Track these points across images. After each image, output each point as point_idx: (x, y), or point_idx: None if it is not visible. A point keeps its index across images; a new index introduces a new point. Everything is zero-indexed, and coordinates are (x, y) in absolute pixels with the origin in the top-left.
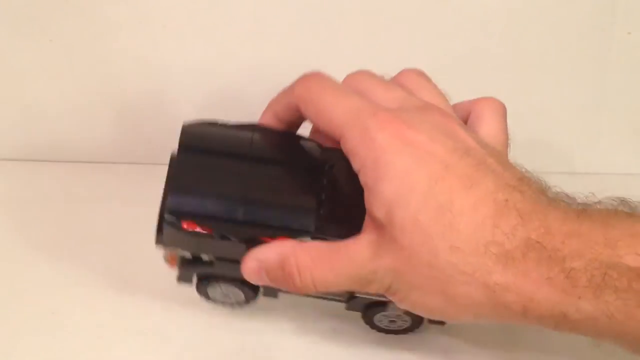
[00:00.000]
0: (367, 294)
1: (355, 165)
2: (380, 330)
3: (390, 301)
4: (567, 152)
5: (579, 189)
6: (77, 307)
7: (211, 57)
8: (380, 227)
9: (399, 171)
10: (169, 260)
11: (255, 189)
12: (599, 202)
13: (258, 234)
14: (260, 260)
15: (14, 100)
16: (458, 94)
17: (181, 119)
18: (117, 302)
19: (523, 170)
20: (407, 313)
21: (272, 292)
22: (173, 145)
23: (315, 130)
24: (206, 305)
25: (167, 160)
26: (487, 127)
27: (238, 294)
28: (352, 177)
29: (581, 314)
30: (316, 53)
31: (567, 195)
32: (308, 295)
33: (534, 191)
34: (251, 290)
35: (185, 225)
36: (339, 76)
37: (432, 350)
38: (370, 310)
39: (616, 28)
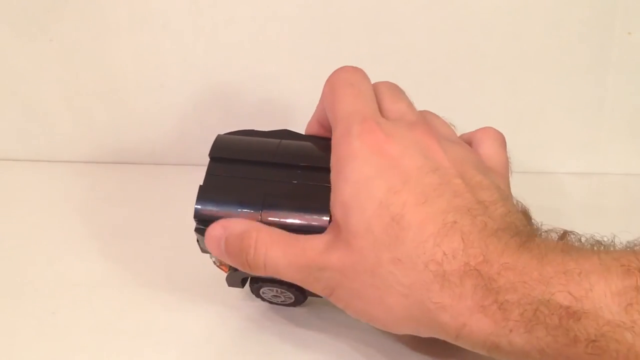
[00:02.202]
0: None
1: (332, 161)
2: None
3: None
4: (567, 152)
5: (579, 189)
6: (77, 307)
7: (211, 57)
8: (337, 227)
9: (361, 177)
10: (219, 265)
11: (273, 196)
12: (551, 231)
13: None
14: (225, 227)
15: (14, 100)
16: (458, 94)
17: (181, 119)
18: (118, 302)
19: (499, 194)
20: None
21: (313, 294)
22: (173, 146)
23: None
24: (206, 305)
25: (168, 161)
26: (487, 151)
27: (288, 295)
28: None
29: (513, 347)
30: (316, 53)
31: (530, 224)
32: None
33: (488, 217)
34: (298, 292)
35: None
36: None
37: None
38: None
39: (616, 28)
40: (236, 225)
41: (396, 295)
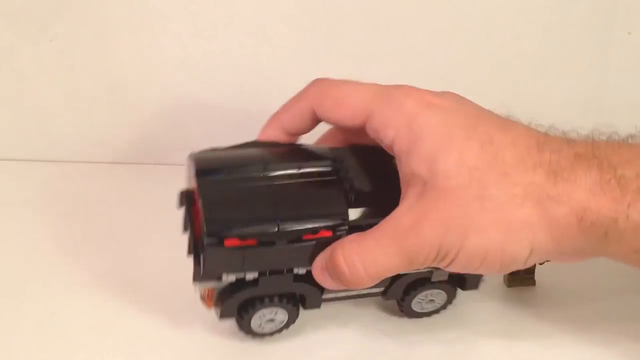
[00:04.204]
0: (417, 270)
1: (389, 135)
2: (414, 315)
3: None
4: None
5: None
6: (77, 307)
7: (211, 57)
8: (423, 184)
9: (434, 127)
10: (206, 299)
11: (284, 193)
12: None
13: (299, 233)
14: (320, 261)
15: (14, 100)
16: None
17: (181, 119)
18: (117, 303)
19: None
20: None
21: (315, 302)
22: (173, 146)
23: (327, 136)
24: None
25: (167, 160)
26: None
27: (282, 315)
28: (366, 166)
29: (630, 222)
30: (316, 53)
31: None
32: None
33: (570, 135)
34: (295, 307)
35: (228, 243)
36: (340, 77)
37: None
38: (409, 291)
39: (616, 28)
40: (325, 253)
41: (511, 209)
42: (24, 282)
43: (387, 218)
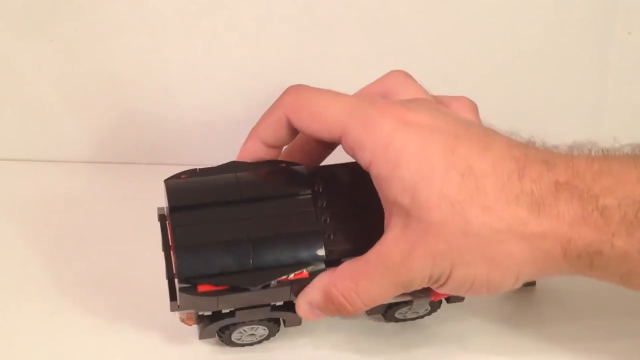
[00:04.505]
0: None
1: (365, 157)
2: (398, 320)
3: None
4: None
5: None
6: (77, 307)
7: (211, 57)
8: (406, 215)
9: (412, 152)
10: (185, 320)
11: (259, 233)
12: (622, 147)
13: (273, 276)
14: (309, 302)
15: (14, 100)
16: (457, 95)
17: (181, 119)
18: (117, 303)
19: None
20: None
21: (295, 322)
22: (173, 146)
23: (294, 147)
24: None
25: (167, 161)
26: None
27: (262, 330)
28: (346, 192)
29: (615, 250)
30: (316, 53)
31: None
32: None
33: (546, 147)
34: (275, 324)
35: (201, 288)
36: (340, 77)
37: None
38: (392, 305)
39: (616, 28)
40: (314, 294)
41: (497, 245)
42: (24, 282)
43: (375, 250)
